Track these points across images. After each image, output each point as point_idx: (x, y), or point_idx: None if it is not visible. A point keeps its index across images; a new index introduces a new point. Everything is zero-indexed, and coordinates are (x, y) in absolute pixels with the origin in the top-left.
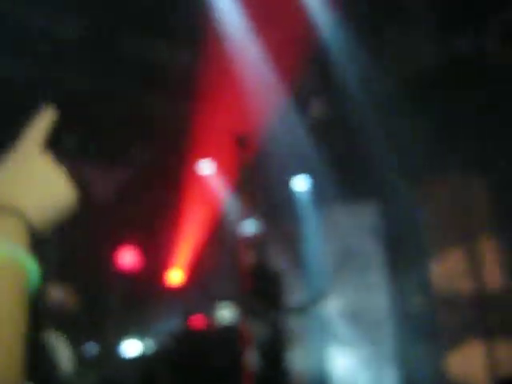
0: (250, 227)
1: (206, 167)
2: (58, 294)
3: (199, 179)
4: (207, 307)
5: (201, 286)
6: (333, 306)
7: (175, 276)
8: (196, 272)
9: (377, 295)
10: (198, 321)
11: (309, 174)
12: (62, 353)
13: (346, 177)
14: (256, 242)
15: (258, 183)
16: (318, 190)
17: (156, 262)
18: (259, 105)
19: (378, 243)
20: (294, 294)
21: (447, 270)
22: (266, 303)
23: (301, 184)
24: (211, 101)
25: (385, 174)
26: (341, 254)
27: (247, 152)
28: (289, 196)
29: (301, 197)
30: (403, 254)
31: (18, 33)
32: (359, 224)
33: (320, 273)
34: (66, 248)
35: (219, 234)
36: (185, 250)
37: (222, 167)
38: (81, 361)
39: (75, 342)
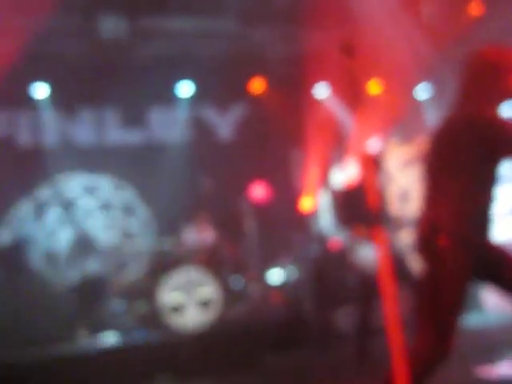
0: (373, 146)
1: (322, 91)
2: (199, 232)
3: (317, 104)
4: (340, 229)
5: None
6: None
7: (307, 203)
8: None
9: None
10: (335, 244)
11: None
12: None
13: None
14: (379, 161)
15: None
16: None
17: (287, 191)
18: (369, 16)
19: None
20: None
21: None
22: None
23: (422, 92)
24: (320, 21)
25: None
26: None
27: (356, 61)
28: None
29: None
30: None
31: None
32: None
33: None
34: (201, 191)
35: (342, 157)
36: (313, 176)
37: (339, 89)
38: (230, 293)
39: (222, 276)
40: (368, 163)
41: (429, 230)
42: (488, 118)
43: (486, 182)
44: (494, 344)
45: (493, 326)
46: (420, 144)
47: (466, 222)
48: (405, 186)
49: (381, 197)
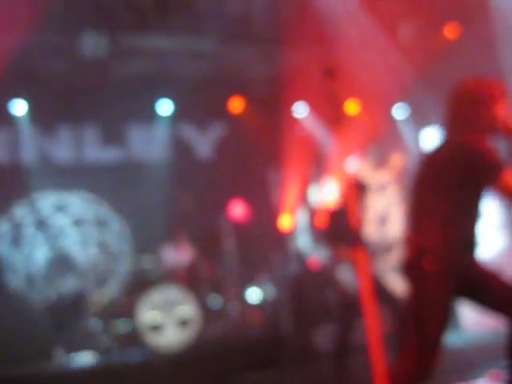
0: (351, 166)
1: (300, 110)
2: (178, 250)
3: (296, 123)
4: (319, 248)
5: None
6: None
7: (286, 221)
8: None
9: None
10: (314, 262)
11: (407, 101)
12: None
13: None
14: (361, 183)
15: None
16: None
17: (266, 209)
18: (347, 36)
19: None
20: None
21: None
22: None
23: (399, 112)
24: (299, 42)
25: None
26: None
27: (337, 83)
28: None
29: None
30: None
31: None
32: None
33: None
34: (181, 209)
35: (320, 175)
36: (291, 195)
37: (317, 108)
38: (208, 312)
39: (201, 295)
40: (351, 185)
41: (415, 253)
42: (475, 147)
43: (472, 206)
44: (472, 362)
45: (470, 344)
46: (396, 165)
47: (453, 245)
48: (382, 208)
49: (362, 218)
